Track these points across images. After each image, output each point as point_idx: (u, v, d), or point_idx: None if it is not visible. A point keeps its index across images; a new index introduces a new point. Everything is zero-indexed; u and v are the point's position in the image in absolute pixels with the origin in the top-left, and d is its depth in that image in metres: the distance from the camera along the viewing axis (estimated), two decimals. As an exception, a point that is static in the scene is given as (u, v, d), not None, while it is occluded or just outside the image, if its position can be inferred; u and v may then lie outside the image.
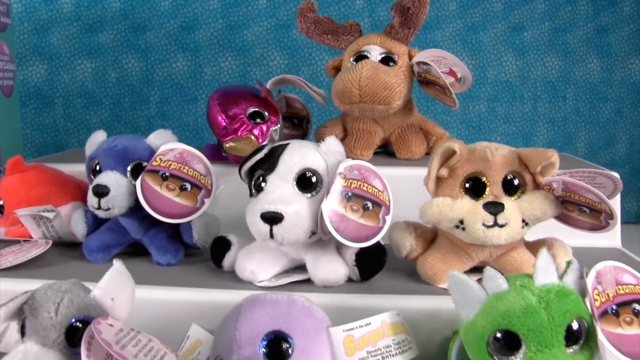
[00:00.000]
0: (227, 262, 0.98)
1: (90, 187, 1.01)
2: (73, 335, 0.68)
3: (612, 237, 1.21)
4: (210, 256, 1.01)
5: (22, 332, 0.70)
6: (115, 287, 0.73)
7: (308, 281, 0.95)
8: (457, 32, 2.22)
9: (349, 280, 0.95)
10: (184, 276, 1.00)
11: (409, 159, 1.25)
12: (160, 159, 1.02)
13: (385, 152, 1.32)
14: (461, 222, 0.88)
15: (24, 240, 1.12)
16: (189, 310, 0.91)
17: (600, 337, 0.69)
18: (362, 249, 0.92)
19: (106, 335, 0.65)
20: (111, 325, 0.69)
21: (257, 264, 0.94)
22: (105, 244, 1.05)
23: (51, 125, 2.17)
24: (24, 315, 0.70)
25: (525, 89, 2.28)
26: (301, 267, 0.97)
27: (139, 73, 2.16)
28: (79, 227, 1.08)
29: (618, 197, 1.21)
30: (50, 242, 1.09)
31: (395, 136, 1.27)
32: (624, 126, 2.33)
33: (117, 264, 0.74)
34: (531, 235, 0.97)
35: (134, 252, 1.09)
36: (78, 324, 0.69)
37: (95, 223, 1.08)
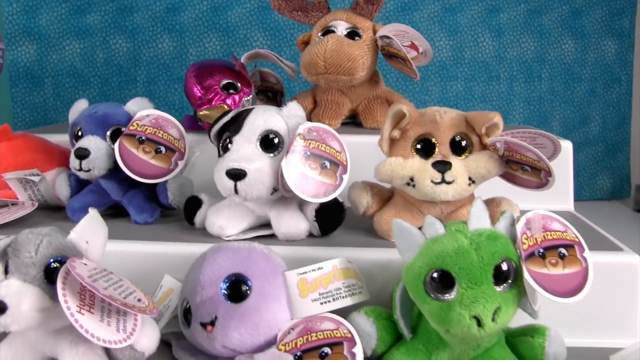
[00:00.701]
0: (198, 219, 1.06)
1: (72, 150, 1.09)
2: (51, 274, 0.76)
3: (564, 202, 1.29)
4: (184, 214, 1.08)
5: (6, 272, 0.77)
6: (90, 232, 0.80)
7: (273, 236, 1.02)
8: (435, 14, 2.27)
9: (310, 235, 1.03)
10: (159, 233, 1.07)
11: (375, 128, 1.32)
12: (137, 124, 1.09)
13: (354, 123, 1.39)
14: (412, 179, 0.95)
15: (12, 203, 1.19)
16: (162, 262, 0.99)
17: (526, 276, 0.77)
18: (321, 205, 1.00)
19: (80, 271, 0.73)
20: (85, 264, 0.76)
21: (225, 220, 1.01)
22: (87, 205, 1.10)
23: (41, 104, 2.22)
24: (7, 257, 0.77)
25: (502, 69, 2.34)
26: (267, 225, 1.04)
27: (126, 53, 2.22)
28: (62, 190, 1.15)
29: (570, 162, 1.29)
30: (37, 204, 1.16)
31: (362, 107, 1.35)
32: (598, 105, 2.39)
33: (92, 212, 0.82)
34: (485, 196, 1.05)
35: (114, 213, 1.16)
36: (56, 264, 0.76)
37: (78, 186, 1.16)
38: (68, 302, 0.72)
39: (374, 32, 1.29)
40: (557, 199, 1.25)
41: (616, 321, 0.99)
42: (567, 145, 1.28)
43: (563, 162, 1.28)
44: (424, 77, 2.28)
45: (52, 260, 0.76)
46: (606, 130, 2.40)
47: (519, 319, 0.85)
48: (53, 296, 0.75)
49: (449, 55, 2.29)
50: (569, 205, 1.30)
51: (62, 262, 0.76)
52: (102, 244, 0.82)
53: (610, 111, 2.40)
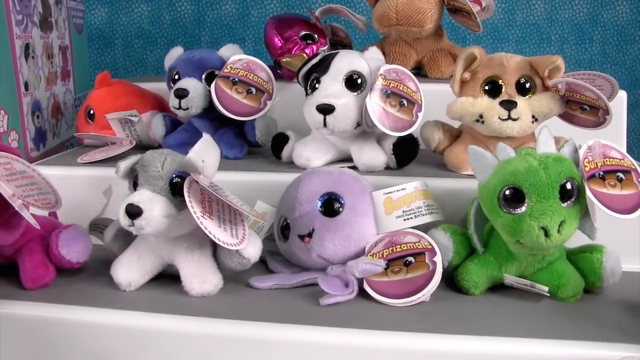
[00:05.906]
0: (285, 153, 1.17)
1: (172, 91, 1.21)
2: (174, 187, 0.88)
3: (618, 146, 1.37)
4: (271, 149, 1.20)
5: (134, 187, 0.90)
6: (205, 152, 0.92)
7: (354, 168, 1.12)
8: (488, -24, 2.33)
9: (387, 168, 1.14)
10: (250, 165, 1.19)
11: (439, 78, 1.42)
12: (231, 67, 1.21)
13: (418, 75, 1.49)
14: (481, 116, 1.05)
15: (111, 142, 1.32)
16: (254, 190, 1.10)
17: (588, 193, 0.86)
18: (398, 139, 1.10)
19: (201, 182, 0.85)
20: (203, 179, 0.89)
21: (312, 152, 1.12)
22: (182, 141, 1.24)
23: (112, 64, 2.36)
24: (135, 173, 0.90)
25: (553, 31, 2.37)
26: (348, 160, 1.15)
27: (191, 15, 2.34)
28: (158, 128, 1.28)
29: (624, 110, 1.37)
30: (134, 142, 1.28)
31: (427, 59, 1.45)
32: (650, 68, 2.42)
33: (206, 136, 0.93)
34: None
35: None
36: (177, 179, 0.88)
37: (172, 125, 1.29)
38: (194, 207, 0.84)
39: (441, -13, 1.39)
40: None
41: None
42: (621, 95, 1.37)
43: (617, 110, 1.36)
44: (475, 40, 2.35)
45: (174, 175, 0.88)
46: (658, 92, 2.43)
47: (578, 243, 0.95)
48: (177, 205, 0.87)
49: (500, 17, 2.34)
50: (622, 149, 1.37)
51: (182, 177, 0.88)
52: (215, 164, 0.94)
53: (663, 73, 2.42)
